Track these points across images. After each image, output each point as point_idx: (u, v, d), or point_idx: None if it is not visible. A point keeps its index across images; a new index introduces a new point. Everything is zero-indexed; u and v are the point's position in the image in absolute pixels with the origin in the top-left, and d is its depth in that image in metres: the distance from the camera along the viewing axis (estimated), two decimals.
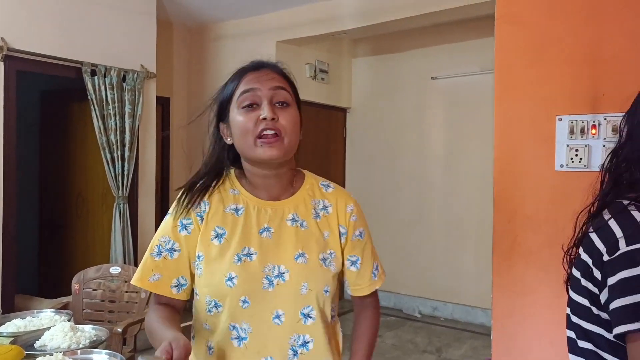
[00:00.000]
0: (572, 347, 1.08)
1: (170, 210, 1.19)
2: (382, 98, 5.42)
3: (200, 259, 1.14)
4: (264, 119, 1.10)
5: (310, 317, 1.14)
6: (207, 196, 1.18)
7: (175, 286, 1.15)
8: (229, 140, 1.19)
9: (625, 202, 0.99)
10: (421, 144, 5.17)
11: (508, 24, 2.12)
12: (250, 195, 1.19)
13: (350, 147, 5.68)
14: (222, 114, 1.19)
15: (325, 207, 1.23)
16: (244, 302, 1.11)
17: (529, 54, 2.07)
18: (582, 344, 1.04)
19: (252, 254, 1.13)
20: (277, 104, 1.13)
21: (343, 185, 5.51)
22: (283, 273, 1.13)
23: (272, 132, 1.10)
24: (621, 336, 0.91)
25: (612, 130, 1.84)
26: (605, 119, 1.87)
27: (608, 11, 1.90)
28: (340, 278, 1.25)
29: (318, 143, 5.27)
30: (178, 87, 5.22)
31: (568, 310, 1.09)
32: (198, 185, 1.19)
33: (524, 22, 2.08)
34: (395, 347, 4.30)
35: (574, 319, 1.06)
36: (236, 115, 1.14)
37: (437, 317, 5.09)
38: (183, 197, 1.18)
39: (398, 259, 5.12)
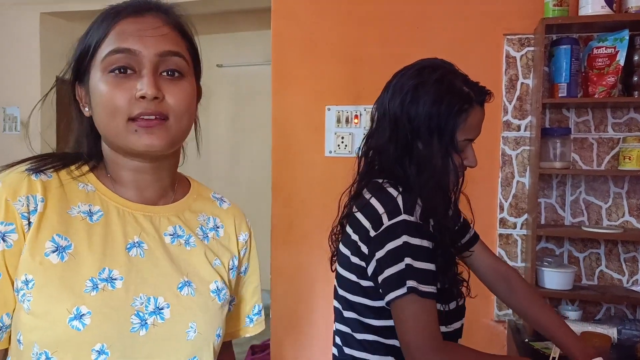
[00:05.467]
0: (339, 317, 1.19)
1: None
2: None
3: (30, 285, 0.71)
4: (143, 97, 0.73)
5: None
6: (40, 188, 0.75)
7: None
8: (87, 111, 0.80)
9: (380, 180, 1.12)
10: (207, 131, 5.13)
11: (283, 19, 2.22)
12: (111, 193, 0.80)
13: None
14: (80, 72, 0.79)
15: (216, 228, 0.89)
16: (100, 353, 0.71)
17: (302, 49, 2.20)
18: (347, 313, 1.15)
19: (115, 279, 0.74)
20: (166, 73, 0.76)
21: None
22: (162, 309, 0.76)
23: (153, 117, 0.74)
24: (391, 302, 1.02)
25: (371, 120, 2.07)
26: (365, 110, 2.09)
27: (367, 17, 2.12)
28: None
29: None
30: None
31: (335, 283, 1.20)
32: (48, 163, 0.79)
33: (298, 18, 2.20)
34: None
35: (341, 291, 1.17)
36: (99, 82, 0.74)
37: None
38: (10, 179, 0.75)
39: None
